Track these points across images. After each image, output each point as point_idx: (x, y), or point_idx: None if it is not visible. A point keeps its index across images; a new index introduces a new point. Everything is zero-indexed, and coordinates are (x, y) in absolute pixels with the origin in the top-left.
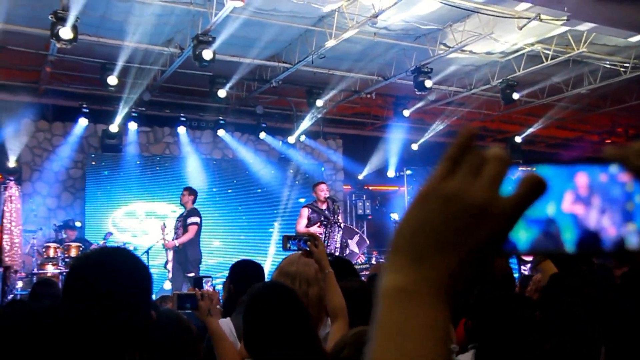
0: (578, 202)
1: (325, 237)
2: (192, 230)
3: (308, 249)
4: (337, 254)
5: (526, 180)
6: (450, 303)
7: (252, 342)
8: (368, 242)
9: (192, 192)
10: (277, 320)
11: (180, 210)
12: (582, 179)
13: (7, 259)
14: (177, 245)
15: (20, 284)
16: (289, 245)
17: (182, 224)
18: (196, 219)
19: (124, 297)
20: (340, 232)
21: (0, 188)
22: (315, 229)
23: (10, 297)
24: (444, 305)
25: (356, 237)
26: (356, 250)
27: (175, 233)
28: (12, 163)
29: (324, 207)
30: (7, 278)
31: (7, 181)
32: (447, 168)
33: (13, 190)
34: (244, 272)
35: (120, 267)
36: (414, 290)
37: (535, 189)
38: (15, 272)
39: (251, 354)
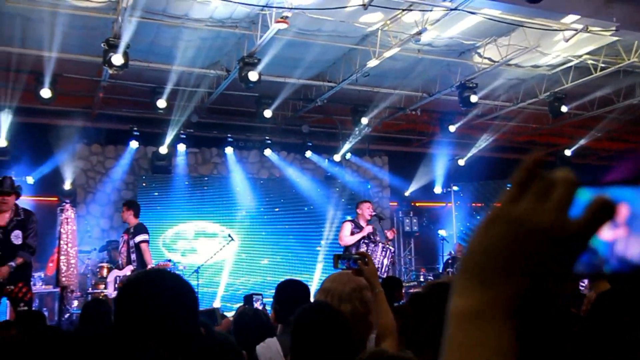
0: (616, 227)
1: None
2: (146, 249)
3: (358, 267)
4: (378, 274)
5: (595, 202)
6: (517, 326)
7: None
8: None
9: (130, 206)
10: (322, 340)
11: (228, 230)
12: (622, 206)
13: (63, 279)
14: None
15: (75, 303)
16: (339, 264)
17: (127, 244)
18: (145, 236)
19: (169, 315)
20: (387, 253)
21: (56, 210)
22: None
23: (66, 315)
24: (511, 328)
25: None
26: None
27: (118, 252)
28: (67, 186)
29: (365, 225)
30: (65, 298)
31: (64, 204)
32: (514, 192)
33: (69, 212)
34: (289, 292)
35: (165, 287)
36: (482, 313)
37: (604, 212)
38: (72, 291)
39: None
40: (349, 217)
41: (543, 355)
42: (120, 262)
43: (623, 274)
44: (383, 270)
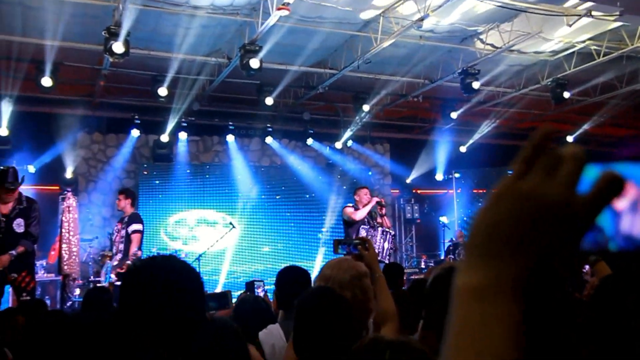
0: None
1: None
2: (136, 239)
3: (358, 252)
4: (379, 258)
5: (603, 178)
6: (525, 301)
7: (302, 345)
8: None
9: (128, 195)
10: (325, 324)
11: (229, 217)
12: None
13: (65, 267)
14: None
15: (77, 291)
16: (339, 249)
17: (120, 233)
18: (139, 226)
19: (175, 300)
20: (387, 236)
21: (58, 199)
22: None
23: (69, 303)
24: (519, 303)
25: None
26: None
27: (111, 241)
28: (69, 174)
29: None
30: (67, 285)
31: (65, 192)
32: (522, 168)
33: (71, 201)
34: (290, 278)
35: (172, 272)
36: (489, 288)
37: (613, 187)
38: (74, 279)
39: (301, 357)
40: (349, 204)
41: (548, 340)
42: (114, 251)
43: (628, 252)
44: (384, 254)
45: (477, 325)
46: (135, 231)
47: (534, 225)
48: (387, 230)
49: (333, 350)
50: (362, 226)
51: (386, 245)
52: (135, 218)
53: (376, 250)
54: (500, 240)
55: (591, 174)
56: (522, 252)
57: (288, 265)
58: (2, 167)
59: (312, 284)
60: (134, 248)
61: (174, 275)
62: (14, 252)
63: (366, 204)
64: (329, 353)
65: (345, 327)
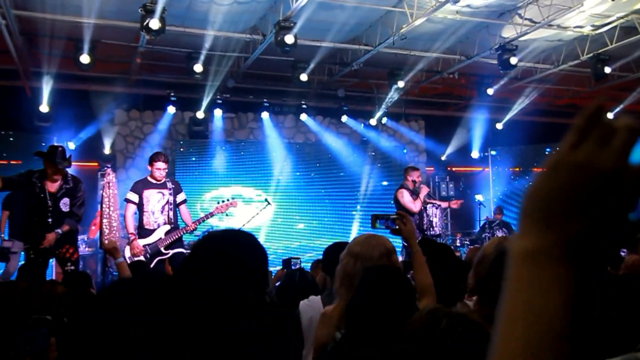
0: None
1: (419, 218)
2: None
3: (397, 226)
4: (429, 233)
5: None
6: (577, 266)
7: (354, 317)
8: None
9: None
10: (386, 301)
11: (264, 194)
12: None
13: (106, 241)
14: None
15: None
16: (377, 224)
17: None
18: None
19: (240, 278)
20: (437, 210)
21: (97, 175)
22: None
23: (109, 277)
24: (572, 268)
25: None
26: None
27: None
28: (107, 151)
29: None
30: (107, 259)
31: (105, 168)
32: (575, 138)
33: (110, 176)
34: (338, 254)
35: (243, 249)
36: (544, 252)
37: None
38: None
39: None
40: (402, 188)
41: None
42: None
43: None
44: (448, 228)
45: (531, 286)
46: (184, 201)
47: (588, 194)
48: (447, 207)
49: (383, 322)
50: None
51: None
52: (180, 186)
53: (438, 228)
54: (555, 208)
55: None
56: (575, 219)
57: (335, 242)
58: (51, 145)
59: (340, 261)
60: (189, 218)
61: (243, 252)
62: (59, 230)
63: (418, 193)
64: (380, 325)
65: (407, 305)
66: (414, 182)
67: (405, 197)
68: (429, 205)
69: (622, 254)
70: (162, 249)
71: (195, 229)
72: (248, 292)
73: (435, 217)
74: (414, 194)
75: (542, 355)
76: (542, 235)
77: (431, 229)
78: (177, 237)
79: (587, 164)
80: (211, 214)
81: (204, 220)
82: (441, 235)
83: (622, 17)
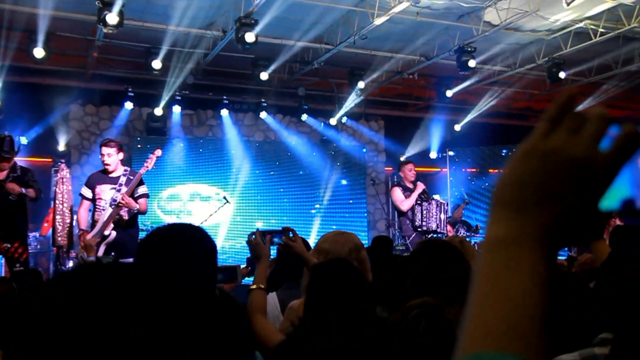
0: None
1: (424, 214)
2: (145, 204)
3: (283, 242)
4: (439, 230)
5: (623, 133)
6: (550, 253)
7: (312, 314)
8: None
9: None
10: (340, 294)
11: (223, 192)
12: None
13: (59, 239)
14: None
15: (70, 263)
16: (262, 239)
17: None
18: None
19: (186, 266)
20: (441, 206)
21: (50, 171)
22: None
23: None
24: (544, 254)
25: None
26: None
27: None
28: (61, 147)
29: (411, 187)
30: (60, 257)
31: (58, 164)
32: (546, 127)
33: (64, 172)
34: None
35: (188, 239)
36: (515, 239)
37: (632, 141)
38: (67, 251)
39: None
40: (397, 184)
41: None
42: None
43: None
44: (442, 226)
45: (502, 273)
46: (143, 195)
47: (558, 181)
48: (441, 201)
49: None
50: (417, 202)
51: (442, 216)
52: (141, 179)
53: (434, 222)
54: (526, 195)
55: (614, 133)
56: (546, 205)
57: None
58: None
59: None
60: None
61: (189, 242)
62: (24, 190)
63: (412, 189)
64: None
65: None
66: (413, 175)
67: (396, 195)
68: (422, 204)
69: (572, 253)
70: (104, 233)
71: (135, 207)
72: (198, 283)
73: (429, 212)
74: (407, 190)
75: (517, 342)
76: (514, 222)
77: (424, 224)
78: (116, 214)
79: (558, 151)
80: (140, 174)
81: (135, 186)
82: (437, 231)
83: (576, 21)
